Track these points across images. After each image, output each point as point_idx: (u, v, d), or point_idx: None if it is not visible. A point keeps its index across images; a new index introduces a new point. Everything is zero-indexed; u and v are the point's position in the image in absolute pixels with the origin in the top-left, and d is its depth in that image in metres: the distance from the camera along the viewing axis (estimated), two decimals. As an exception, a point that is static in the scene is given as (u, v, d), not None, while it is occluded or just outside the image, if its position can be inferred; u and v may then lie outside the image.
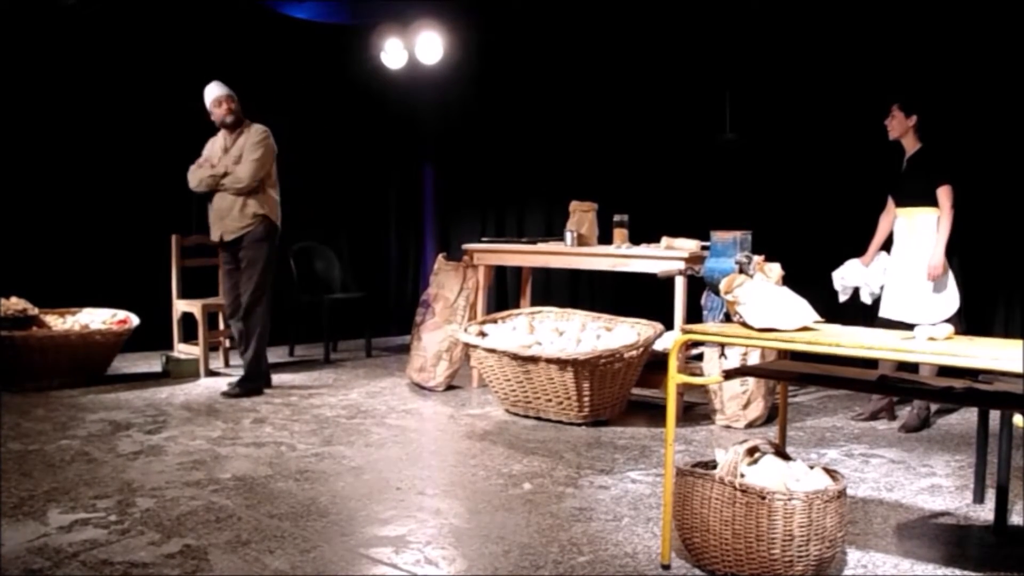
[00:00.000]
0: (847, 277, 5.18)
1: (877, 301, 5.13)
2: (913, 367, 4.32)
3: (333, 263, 7.71)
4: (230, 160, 5.71)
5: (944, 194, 4.85)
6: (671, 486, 3.05)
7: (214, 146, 5.84)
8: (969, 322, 5.09)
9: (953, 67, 5.68)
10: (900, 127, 4.99)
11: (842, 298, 5.19)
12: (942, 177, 4.87)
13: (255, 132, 5.72)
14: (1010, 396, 2.85)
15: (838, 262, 5.26)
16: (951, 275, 4.93)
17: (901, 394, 4.53)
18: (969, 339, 2.92)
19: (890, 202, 5.14)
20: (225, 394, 5.68)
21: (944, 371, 3.92)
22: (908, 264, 4.97)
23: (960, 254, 4.99)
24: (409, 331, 6.51)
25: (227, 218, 5.71)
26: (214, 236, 5.80)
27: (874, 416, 5.17)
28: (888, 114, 5.01)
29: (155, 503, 3.64)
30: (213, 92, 5.77)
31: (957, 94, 5.64)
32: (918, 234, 4.93)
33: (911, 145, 5.02)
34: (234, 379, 5.89)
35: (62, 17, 6.68)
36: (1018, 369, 2.44)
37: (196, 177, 5.75)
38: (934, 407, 5.20)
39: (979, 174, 5.42)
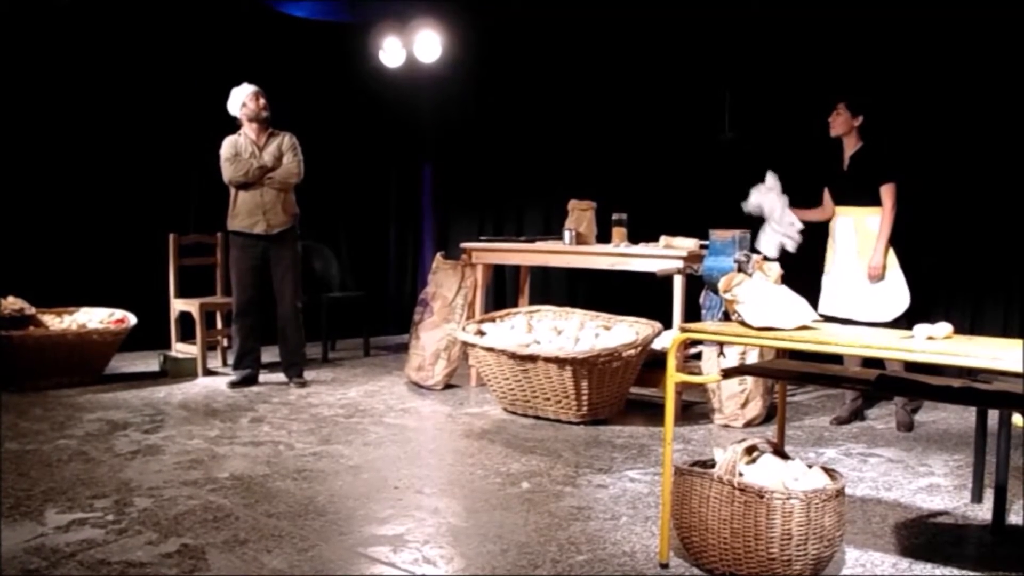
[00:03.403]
0: (761, 199, 4.96)
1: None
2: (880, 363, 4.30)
3: (331, 262, 7.70)
4: (269, 157, 5.81)
5: (887, 192, 4.87)
6: (669, 485, 3.05)
7: (240, 144, 5.84)
8: (911, 323, 5.08)
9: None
10: (844, 125, 5.01)
11: (747, 208, 4.99)
12: (886, 176, 4.88)
13: (290, 136, 5.93)
14: (1009, 395, 2.85)
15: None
16: (901, 274, 4.93)
17: (901, 393, 4.54)
18: (968, 338, 2.92)
19: (826, 198, 5.17)
20: (301, 384, 5.98)
21: (922, 369, 3.92)
22: (856, 263, 4.97)
23: (904, 254, 4.98)
24: (407, 330, 6.51)
25: (270, 212, 5.81)
26: (256, 229, 5.82)
27: (852, 417, 5.16)
28: (832, 110, 5.02)
29: (152, 503, 3.63)
30: (248, 88, 5.86)
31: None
32: (866, 234, 4.94)
33: (852, 144, 5.04)
34: (231, 377, 5.92)
35: (59, 16, 6.66)
36: (1018, 369, 2.43)
37: (241, 168, 5.75)
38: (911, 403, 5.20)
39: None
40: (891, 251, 4.93)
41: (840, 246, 5.06)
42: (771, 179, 5.11)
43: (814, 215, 5.22)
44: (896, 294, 4.91)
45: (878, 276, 4.89)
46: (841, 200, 5.07)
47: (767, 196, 5.08)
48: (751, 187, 5.27)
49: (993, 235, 5.58)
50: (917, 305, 4.97)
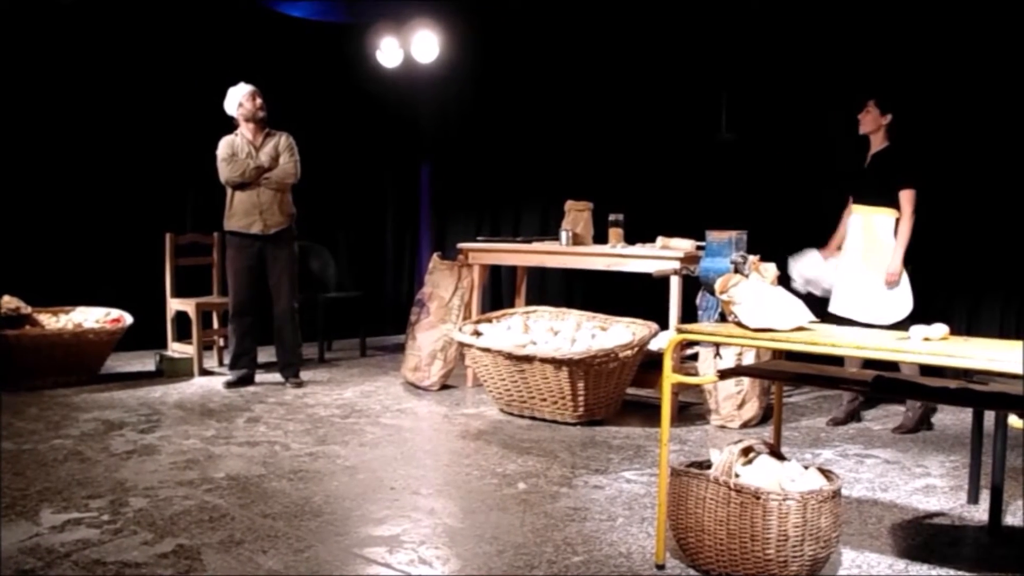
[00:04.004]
0: (807, 271, 5.04)
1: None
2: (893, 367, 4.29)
3: (329, 262, 7.70)
4: (266, 157, 5.82)
5: (907, 198, 4.81)
6: (666, 486, 3.05)
7: (237, 144, 5.83)
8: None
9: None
10: (873, 123, 4.97)
11: (796, 285, 5.03)
12: (906, 180, 4.82)
13: (286, 136, 5.93)
14: (1005, 397, 2.85)
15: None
16: (906, 278, 4.90)
17: (898, 394, 4.54)
18: (965, 339, 2.92)
19: (850, 205, 5.15)
20: (297, 384, 5.98)
21: (928, 371, 3.93)
22: (861, 263, 4.94)
23: (913, 257, 4.96)
24: (404, 330, 6.50)
25: (266, 212, 5.81)
26: (253, 229, 5.81)
27: (849, 418, 5.16)
28: (862, 108, 4.99)
29: (148, 503, 3.62)
30: (245, 87, 5.86)
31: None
32: (873, 234, 4.91)
33: (878, 142, 5.00)
34: (227, 377, 5.93)
35: (59, 16, 6.65)
36: (1016, 370, 2.43)
37: (238, 168, 5.75)
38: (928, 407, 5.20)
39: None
40: None
41: (849, 244, 5.03)
42: (814, 255, 5.09)
43: (842, 235, 5.13)
44: (900, 299, 4.88)
45: (895, 283, 4.83)
46: (857, 198, 5.02)
47: (812, 273, 5.07)
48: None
49: (991, 237, 5.58)
50: (914, 307, 4.96)
